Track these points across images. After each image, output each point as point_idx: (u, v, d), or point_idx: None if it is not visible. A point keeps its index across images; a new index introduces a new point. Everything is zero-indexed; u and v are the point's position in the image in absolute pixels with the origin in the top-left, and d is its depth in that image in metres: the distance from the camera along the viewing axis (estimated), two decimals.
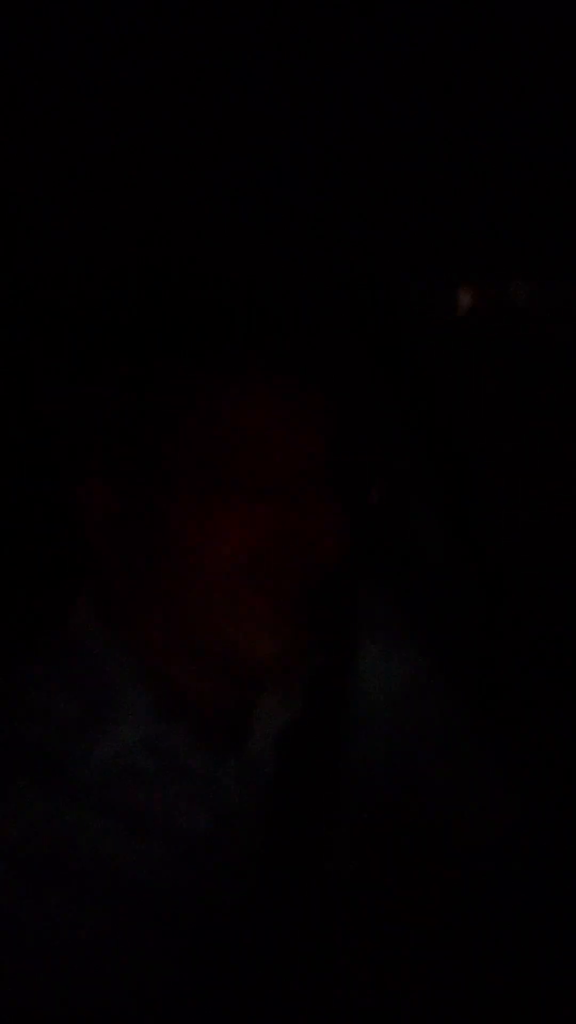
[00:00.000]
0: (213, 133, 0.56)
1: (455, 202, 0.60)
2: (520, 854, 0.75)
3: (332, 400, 0.60)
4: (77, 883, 0.58)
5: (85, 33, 0.43)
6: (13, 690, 0.62)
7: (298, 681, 0.67)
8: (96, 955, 0.57)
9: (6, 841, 0.56)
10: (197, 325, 0.59)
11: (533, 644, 1.04)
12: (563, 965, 0.69)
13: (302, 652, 0.60)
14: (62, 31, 0.42)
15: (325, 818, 0.67)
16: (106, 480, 0.59)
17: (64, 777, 0.59)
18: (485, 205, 0.62)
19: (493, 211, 0.63)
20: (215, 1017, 0.60)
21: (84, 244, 0.67)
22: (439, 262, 0.84)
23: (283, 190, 0.63)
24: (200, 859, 0.62)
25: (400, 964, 0.68)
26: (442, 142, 0.53)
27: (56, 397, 0.62)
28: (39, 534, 0.69)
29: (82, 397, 0.61)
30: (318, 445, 0.58)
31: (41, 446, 0.65)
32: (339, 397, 0.61)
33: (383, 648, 0.75)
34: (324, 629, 0.69)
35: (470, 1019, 0.67)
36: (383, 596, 0.79)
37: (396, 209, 0.64)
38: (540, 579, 1.07)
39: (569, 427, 1.13)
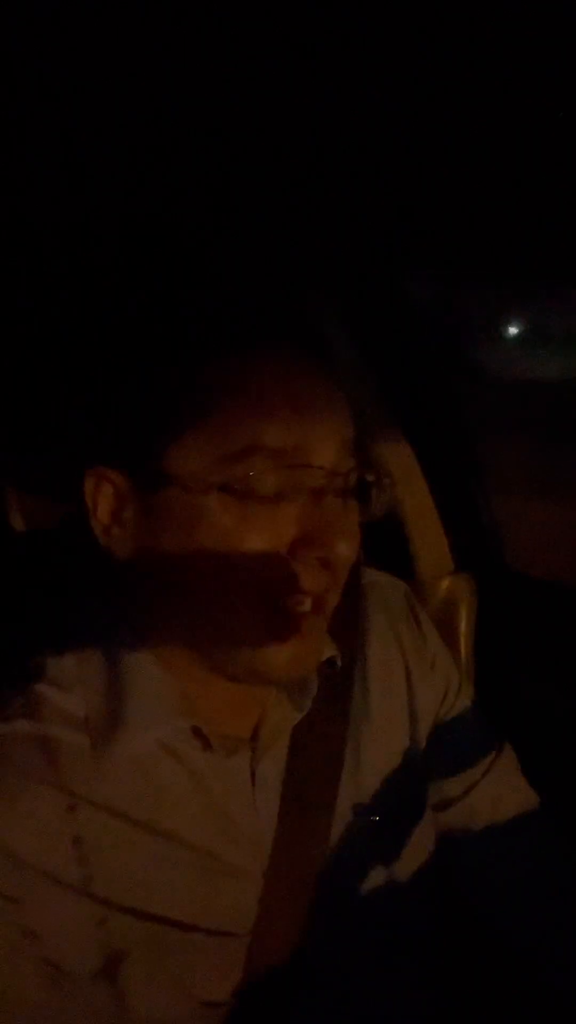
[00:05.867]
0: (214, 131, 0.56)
1: (454, 201, 0.60)
2: None
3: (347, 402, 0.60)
4: (89, 890, 0.58)
5: (83, 33, 0.43)
6: (28, 689, 0.62)
7: (308, 683, 0.67)
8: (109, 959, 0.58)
9: (22, 848, 0.56)
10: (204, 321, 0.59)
11: None
12: None
13: (314, 655, 0.60)
14: (60, 29, 0.42)
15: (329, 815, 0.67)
16: (111, 480, 0.59)
17: (79, 780, 0.59)
18: (485, 206, 0.62)
19: (492, 212, 0.63)
20: None
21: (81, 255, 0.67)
22: (439, 263, 0.84)
23: (284, 187, 0.63)
24: (210, 864, 0.62)
25: None
26: (442, 141, 0.53)
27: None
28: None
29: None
30: (337, 449, 0.58)
31: (50, 442, 0.65)
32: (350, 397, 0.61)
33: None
34: (333, 633, 0.69)
35: None
36: None
37: (396, 209, 0.64)
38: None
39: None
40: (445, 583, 1.07)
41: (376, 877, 0.69)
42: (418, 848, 0.72)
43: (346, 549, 0.56)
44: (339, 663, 0.68)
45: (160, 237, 0.68)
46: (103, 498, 0.59)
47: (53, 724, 0.60)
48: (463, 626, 1.08)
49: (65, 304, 0.65)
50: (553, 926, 0.75)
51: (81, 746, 0.59)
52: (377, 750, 0.71)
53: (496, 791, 0.78)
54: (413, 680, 0.75)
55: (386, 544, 1.07)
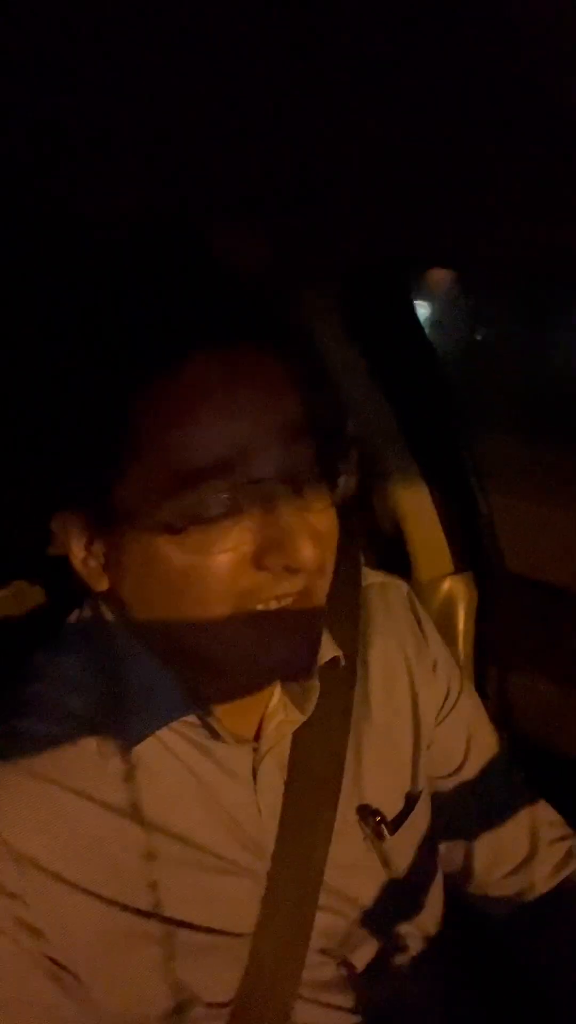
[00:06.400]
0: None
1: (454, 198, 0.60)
2: None
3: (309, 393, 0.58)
4: (93, 888, 0.58)
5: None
6: (31, 689, 0.62)
7: (311, 685, 0.66)
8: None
9: (25, 845, 0.56)
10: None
11: None
12: None
13: (312, 653, 0.60)
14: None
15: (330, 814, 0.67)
16: (79, 514, 0.58)
17: (83, 778, 0.59)
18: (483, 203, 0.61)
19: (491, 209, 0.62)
20: None
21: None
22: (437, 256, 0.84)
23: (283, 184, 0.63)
24: (213, 861, 0.62)
25: None
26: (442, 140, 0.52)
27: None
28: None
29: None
30: (282, 450, 0.55)
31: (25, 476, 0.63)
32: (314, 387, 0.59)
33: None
34: (335, 634, 0.69)
35: None
36: None
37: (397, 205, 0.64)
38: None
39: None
40: (445, 583, 1.07)
41: (377, 877, 0.69)
42: (419, 848, 0.72)
43: (310, 550, 0.54)
44: (342, 663, 0.68)
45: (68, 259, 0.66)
46: (73, 537, 0.58)
47: (57, 723, 0.60)
48: (463, 626, 1.08)
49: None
50: (553, 925, 0.76)
51: (85, 745, 0.59)
52: (379, 750, 0.71)
53: (495, 791, 0.78)
54: (415, 681, 0.75)
55: (386, 544, 1.07)
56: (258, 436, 0.54)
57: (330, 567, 0.59)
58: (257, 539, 0.54)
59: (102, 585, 0.59)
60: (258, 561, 0.54)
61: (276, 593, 0.55)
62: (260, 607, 0.55)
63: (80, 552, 0.59)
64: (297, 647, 0.57)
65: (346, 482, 0.58)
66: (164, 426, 0.53)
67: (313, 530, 0.55)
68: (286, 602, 0.56)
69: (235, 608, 0.55)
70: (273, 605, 0.55)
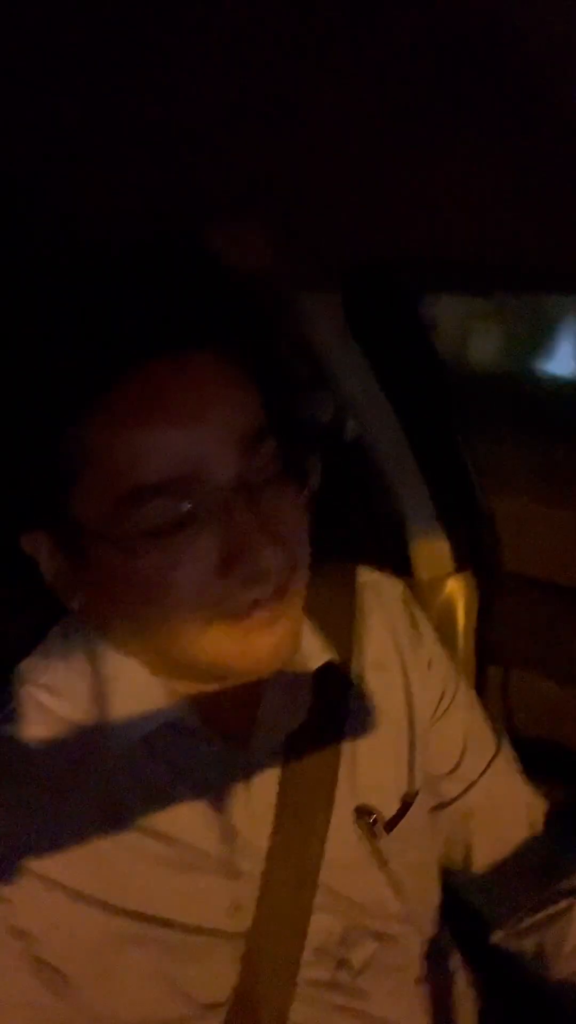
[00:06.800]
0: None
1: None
2: None
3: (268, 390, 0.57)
4: (83, 891, 0.58)
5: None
6: (18, 693, 0.62)
7: (303, 680, 0.66)
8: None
9: (12, 848, 0.56)
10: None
11: None
12: None
13: (287, 640, 0.58)
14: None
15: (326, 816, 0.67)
16: (47, 531, 0.57)
17: (70, 782, 0.59)
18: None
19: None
20: None
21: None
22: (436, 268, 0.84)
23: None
24: (204, 865, 0.62)
25: None
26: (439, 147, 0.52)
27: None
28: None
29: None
30: (238, 452, 0.54)
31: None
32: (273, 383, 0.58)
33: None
34: (325, 626, 0.69)
35: None
36: None
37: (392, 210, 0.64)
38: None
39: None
40: (445, 583, 1.07)
41: (375, 878, 0.69)
42: (417, 848, 0.72)
43: (274, 555, 0.53)
44: (336, 664, 0.68)
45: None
46: (42, 556, 0.58)
47: (44, 727, 0.60)
48: (463, 626, 1.08)
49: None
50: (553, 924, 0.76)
51: (72, 749, 0.60)
52: (374, 750, 0.71)
53: (494, 791, 0.78)
54: (410, 680, 0.75)
55: (386, 544, 1.07)
56: (214, 444, 0.53)
57: (303, 562, 0.58)
58: (219, 549, 0.53)
59: (76, 602, 0.58)
60: (222, 571, 0.53)
61: (248, 599, 0.54)
62: (233, 613, 0.54)
63: (50, 570, 0.58)
64: (276, 645, 0.57)
65: (311, 483, 0.58)
66: (115, 439, 0.52)
67: (277, 535, 0.54)
68: (261, 605, 0.55)
69: (207, 617, 0.54)
70: (247, 609, 0.55)
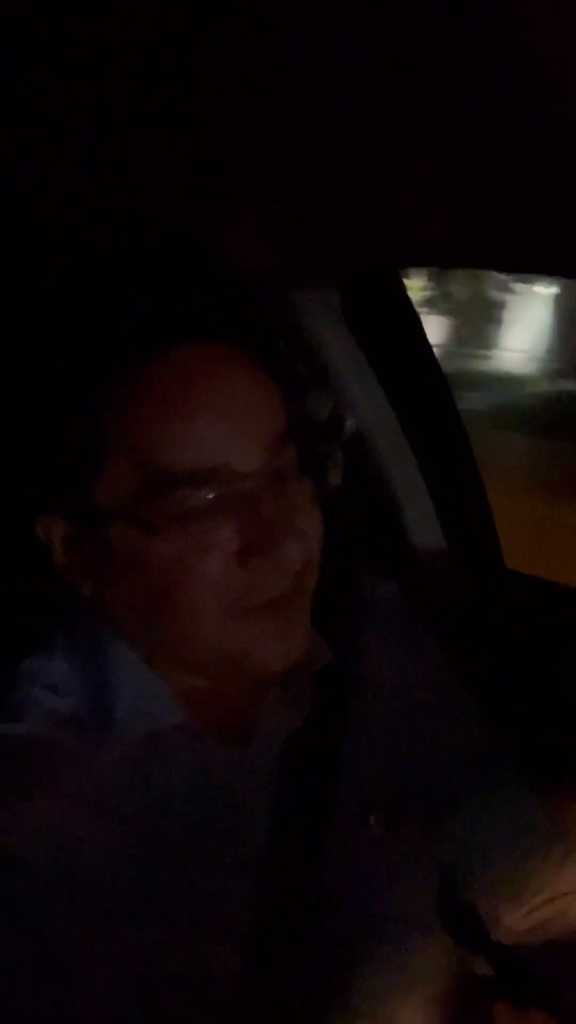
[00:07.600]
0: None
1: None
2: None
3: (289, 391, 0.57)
4: (81, 890, 0.58)
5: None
6: (22, 692, 0.62)
7: (303, 681, 0.66)
8: (99, 960, 0.58)
9: (10, 847, 0.56)
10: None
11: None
12: None
13: (301, 649, 0.59)
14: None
15: (326, 817, 0.67)
16: (60, 516, 0.57)
17: (72, 780, 0.59)
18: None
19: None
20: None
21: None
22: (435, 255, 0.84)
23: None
24: (204, 865, 0.62)
25: None
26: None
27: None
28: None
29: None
30: (265, 445, 0.55)
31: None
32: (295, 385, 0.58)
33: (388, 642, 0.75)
34: (325, 627, 0.69)
35: None
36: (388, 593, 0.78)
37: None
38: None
39: None
40: (444, 583, 1.07)
41: (375, 879, 0.69)
42: (417, 849, 0.72)
43: (295, 549, 0.54)
44: (335, 662, 0.68)
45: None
46: (55, 540, 0.58)
47: (47, 726, 0.60)
48: (463, 626, 1.08)
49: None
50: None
51: (75, 747, 0.59)
52: (373, 752, 0.71)
53: (495, 791, 0.78)
54: (408, 680, 0.75)
55: (386, 544, 1.07)
56: (241, 434, 0.54)
57: (317, 563, 0.59)
58: (241, 539, 0.54)
59: (87, 588, 0.58)
60: (242, 561, 0.54)
61: (264, 596, 0.55)
62: (251, 604, 0.55)
63: (63, 555, 0.58)
64: (287, 646, 0.57)
65: (331, 481, 0.58)
66: (143, 421, 0.52)
67: (297, 529, 0.55)
68: (278, 599, 0.55)
69: (222, 610, 0.55)
70: (264, 601, 0.55)
